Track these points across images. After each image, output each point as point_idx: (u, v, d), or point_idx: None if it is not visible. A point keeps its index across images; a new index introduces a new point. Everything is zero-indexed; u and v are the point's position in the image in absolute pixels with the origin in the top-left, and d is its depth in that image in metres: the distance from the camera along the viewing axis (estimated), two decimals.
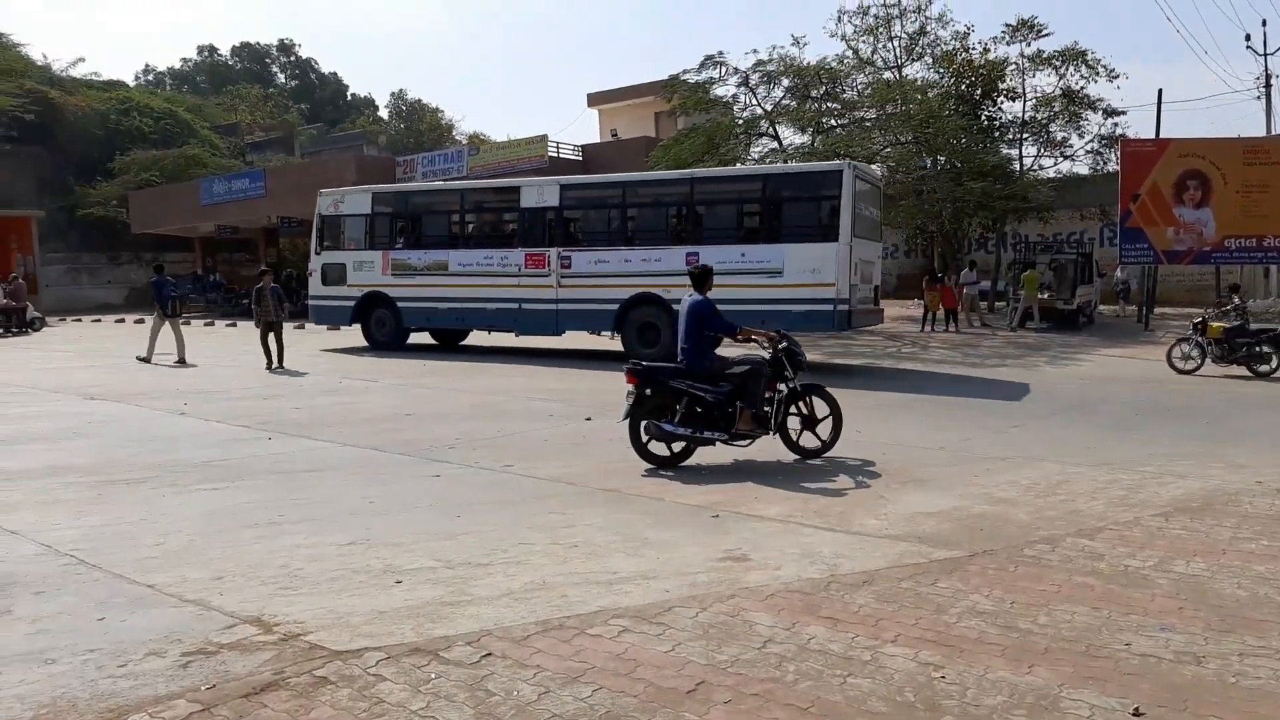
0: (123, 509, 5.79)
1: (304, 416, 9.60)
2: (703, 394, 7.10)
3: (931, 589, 4.27)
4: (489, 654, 3.50)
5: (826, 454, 7.39)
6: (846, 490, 6.34)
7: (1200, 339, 13.64)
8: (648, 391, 7.16)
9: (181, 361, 15.05)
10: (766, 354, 7.50)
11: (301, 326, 21.49)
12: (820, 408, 7.50)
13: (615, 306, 15.47)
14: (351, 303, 17.86)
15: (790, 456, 7.38)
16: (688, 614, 3.93)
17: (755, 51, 25.81)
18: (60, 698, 3.16)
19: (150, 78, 69.98)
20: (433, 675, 3.32)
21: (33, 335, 23.87)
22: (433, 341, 18.60)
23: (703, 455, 7.30)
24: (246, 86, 64.44)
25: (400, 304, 17.48)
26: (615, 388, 12.01)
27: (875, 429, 8.77)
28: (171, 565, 4.61)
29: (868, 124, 23.80)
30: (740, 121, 24.53)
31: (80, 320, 30.55)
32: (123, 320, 29.63)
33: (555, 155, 29.47)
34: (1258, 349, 13.36)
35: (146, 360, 15.19)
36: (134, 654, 3.51)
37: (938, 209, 23.02)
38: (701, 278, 7.66)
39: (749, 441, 7.27)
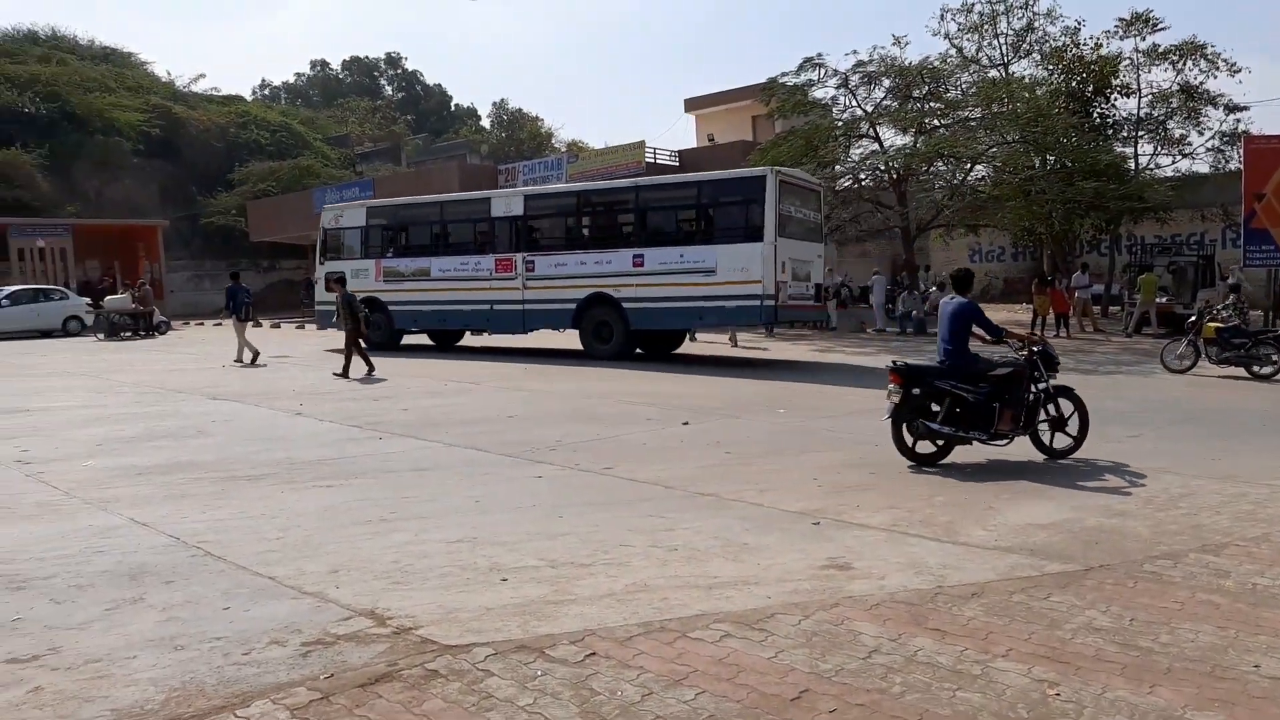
0: (244, 504, 6.08)
1: (411, 418, 9.88)
2: (965, 394, 7.26)
3: (1044, 603, 4.14)
4: (593, 653, 3.54)
5: (1075, 454, 7.46)
6: (952, 500, 6.19)
7: (1195, 339, 13.64)
8: (915, 391, 7.33)
9: (239, 361, 16.02)
10: (1018, 355, 7.64)
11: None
12: (1066, 408, 7.57)
13: (574, 306, 16.78)
14: None
15: (897, 461, 7.25)
16: (790, 621, 3.90)
17: (855, 52, 25.49)
18: (189, 682, 3.33)
19: (266, 92, 73.23)
20: (539, 672, 3.38)
21: (158, 339, 25.22)
22: (430, 342, 20.00)
23: (772, 458, 7.23)
24: (356, 99, 66.85)
25: (391, 308, 18.88)
26: (705, 391, 12.08)
27: None
28: (290, 558, 4.82)
29: (972, 123, 23.20)
30: (839, 124, 24.22)
31: (202, 324, 32.18)
32: None
33: (652, 161, 29.61)
34: (1256, 350, 13.14)
35: (241, 362, 15.99)
36: (257, 642, 3.68)
37: (1047, 210, 22.25)
38: (964, 280, 7.88)
39: (1006, 441, 7.39)
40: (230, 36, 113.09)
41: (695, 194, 17.01)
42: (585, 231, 17.99)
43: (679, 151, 31.47)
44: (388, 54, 79.79)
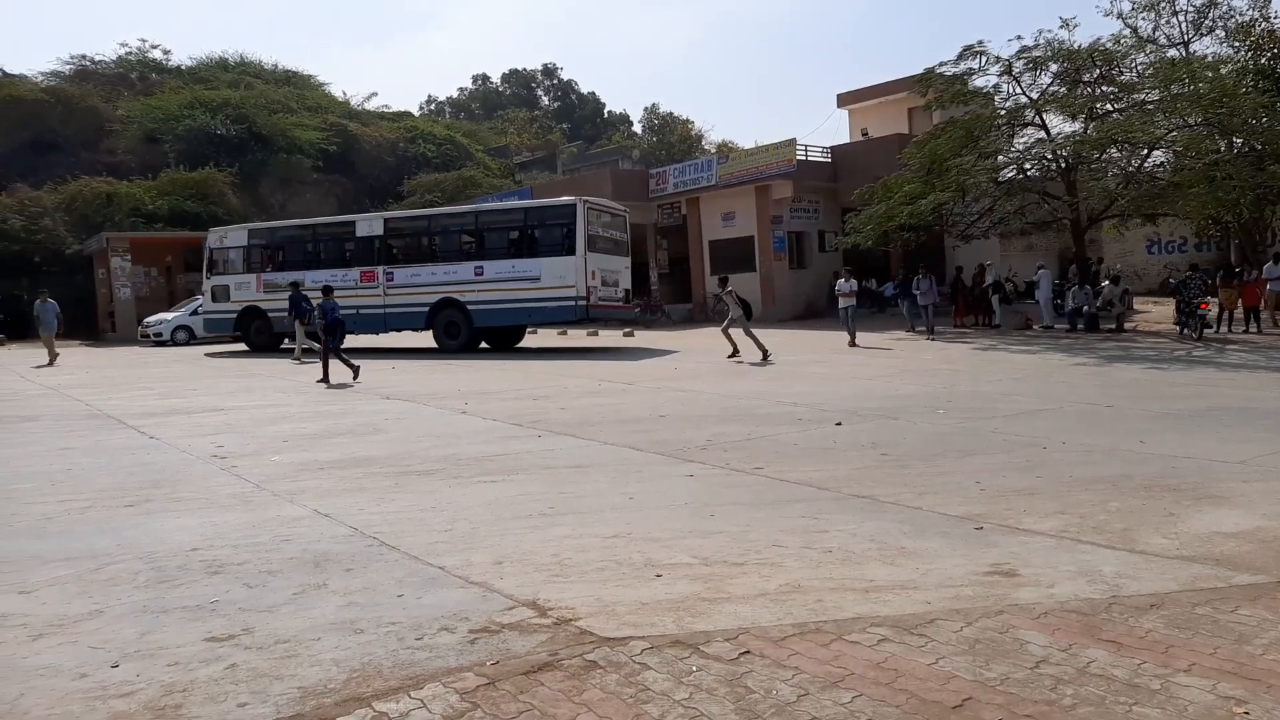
0: (416, 497, 6.42)
1: (569, 416, 10.16)
2: None
3: (1231, 616, 3.85)
4: (747, 651, 3.56)
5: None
6: (1127, 506, 5.83)
7: None
8: None
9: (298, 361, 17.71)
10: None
11: None
12: None
13: (427, 309, 20.46)
14: (233, 315, 22.82)
15: (1067, 463, 6.91)
16: (951, 627, 3.79)
17: (1019, 38, 24.33)
18: (368, 664, 3.56)
19: (432, 107, 76.85)
20: (694, 668, 3.42)
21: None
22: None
23: (955, 458, 6.99)
24: (515, 110, 69.19)
25: (271, 315, 21.89)
26: (854, 392, 11.82)
27: (1162, 440, 8.01)
28: (458, 549, 5.06)
29: (1149, 107, 21.72)
30: (1002, 112, 23.20)
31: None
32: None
33: (803, 158, 29.21)
34: None
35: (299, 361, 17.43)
36: (428, 628, 3.89)
37: (1234, 197, 20.54)
38: None
39: None
40: (399, 56, 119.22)
41: (523, 217, 21.19)
42: (435, 248, 21.51)
43: (831, 148, 30.92)
44: (544, 65, 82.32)
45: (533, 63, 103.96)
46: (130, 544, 5.32)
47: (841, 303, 20.20)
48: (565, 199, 20.95)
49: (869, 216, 23.66)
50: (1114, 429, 8.80)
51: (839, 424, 9.23)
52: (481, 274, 20.17)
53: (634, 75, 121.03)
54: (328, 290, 16.10)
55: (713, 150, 53.91)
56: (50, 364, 19.80)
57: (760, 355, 16.53)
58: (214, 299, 23.35)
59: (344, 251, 22.39)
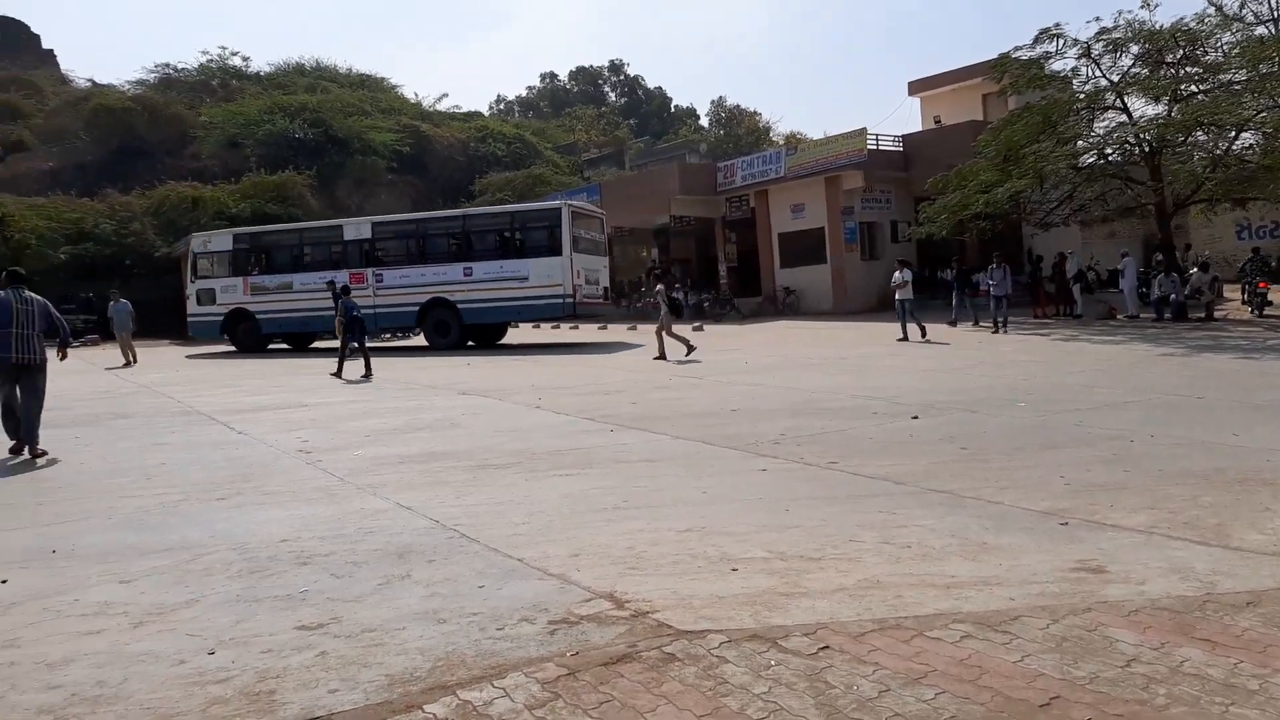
0: (493, 490, 6.53)
1: (639, 411, 10.20)
2: None
3: None
4: (826, 646, 3.54)
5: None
6: (1221, 500, 5.63)
7: None
8: None
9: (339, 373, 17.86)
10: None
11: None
12: None
13: (417, 308, 21.59)
14: (220, 318, 23.44)
15: (1155, 457, 6.69)
16: (1037, 624, 3.71)
17: (1098, 19, 23.50)
18: (452, 653, 3.64)
19: (501, 106, 77.73)
20: (772, 662, 3.42)
21: (413, 337, 27.45)
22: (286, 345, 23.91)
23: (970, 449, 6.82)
24: (582, 107, 69.57)
25: (259, 316, 23.09)
26: (929, 385, 11.61)
27: (1256, 432, 7.71)
28: (535, 542, 5.13)
29: (1236, 87, 20.83)
30: (1081, 96, 22.52)
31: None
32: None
33: (874, 147, 28.76)
34: None
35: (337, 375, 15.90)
36: (509, 619, 3.96)
37: None
38: None
39: None
40: (469, 58, 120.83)
41: (510, 220, 22.48)
42: (424, 250, 22.43)
43: (902, 136, 30.39)
44: (611, 61, 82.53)
45: (600, 59, 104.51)
46: (223, 535, 5.53)
47: (898, 295, 19.26)
48: (551, 203, 22.97)
49: (943, 205, 23.23)
50: (1204, 421, 8.49)
51: (915, 418, 9.08)
52: (471, 274, 21.47)
53: (701, 69, 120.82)
54: (346, 290, 17.24)
55: (781, 142, 53.43)
56: (126, 365, 19.83)
57: (684, 351, 16.89)
58: (199, 303, 23.99)
59: (331, 255, 23.33)
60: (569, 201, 22.53)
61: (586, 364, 17.04)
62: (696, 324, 26.56)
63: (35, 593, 4.55)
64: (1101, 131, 22.61)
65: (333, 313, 21.14)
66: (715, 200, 32.62)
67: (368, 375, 15.27)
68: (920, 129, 33.86)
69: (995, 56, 24.29)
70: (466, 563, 4.81)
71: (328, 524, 5.73)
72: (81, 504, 6.59)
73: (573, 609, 4.04)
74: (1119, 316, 21.97)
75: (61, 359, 10.15)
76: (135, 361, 20.25)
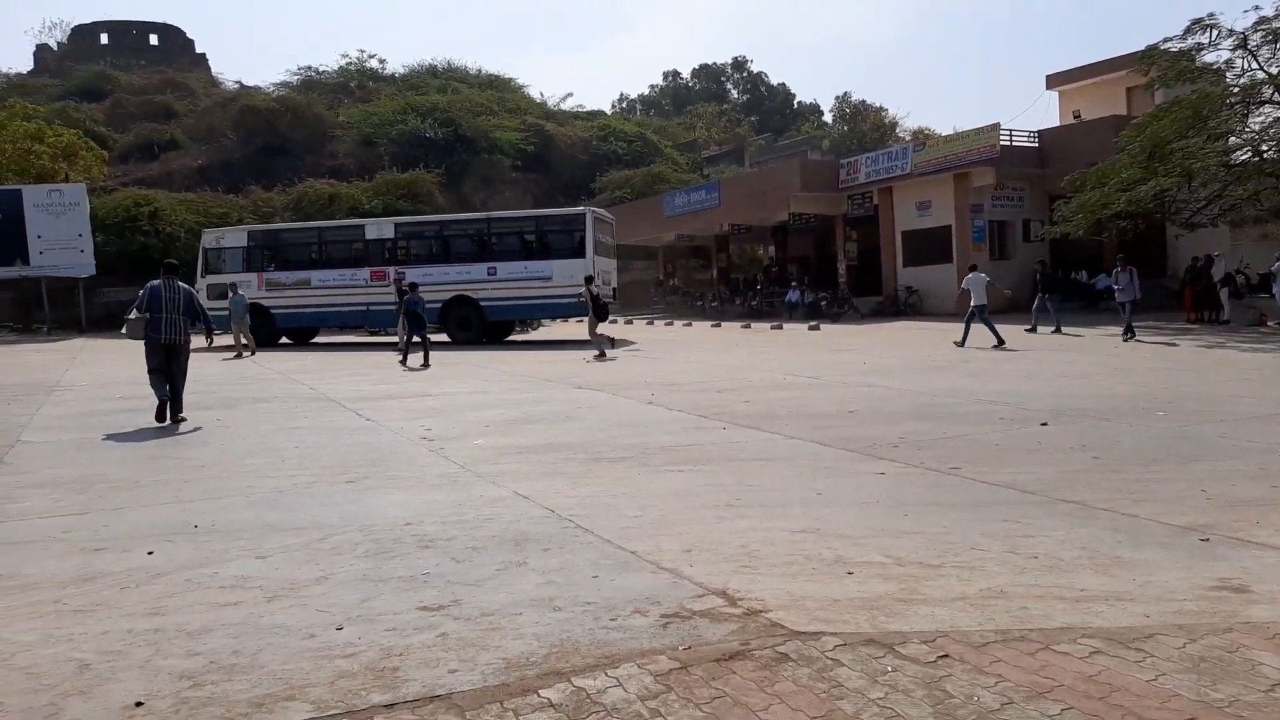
0: (607, 483, 6.61)
1: (753, 409, 10.13)
2: None
3: None
4: (946, 655, 3.44)
5: None
6: None
7: None
8: None
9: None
10: None
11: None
12: None
13: (440, 305, 22.29)
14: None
15: (1262, 465, 6.24)
16: (1172, 643, 3.51)
17: (1256, 8, 21.96)
18: (566, 640, 3.69)
19: (624, 105, 78.40)
20: (889, 667, 3.34)
21: (533, 333, 28.07)
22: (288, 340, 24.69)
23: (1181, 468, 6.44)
24: (704, 105, 69.50)
25: (274, 311, 23.92)
26: (1060, 391, 11.09)
27: None
28: (648, 535, 5.17)
29: None
30: (1235, 90, 21.15)
31: (566, 320, 35.20)
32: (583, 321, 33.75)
33: (1008, 143, 27.71)
34: None
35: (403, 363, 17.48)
36: (622, 610, 4.00)
37: None
38: None
39: None
40: (593, 58, 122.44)
41: (535, 224, 24.40)
42: (448, 250, 23.81)
43: (1038, 132, 29.18)
44: (734, 58, 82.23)
45: (723, 57, 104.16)
46: (351, 517, 5.77)
47: (973, 301, 18.40)
48: (575, 209, 24.37)
49: (1081, 204, 22.22)
50: None
51: (1044, 424, 8.72)
52: (495, 274, 22.72)
53: (825, 65, 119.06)
54: (414, 286, 18.57)
55: (907, 138, 52.11)
56: (239, 356, 20.38)
57: (602, 350, 18.01)
58: (210, 297, 23.18)
59: (353, 253, 24.39)
60: (591, 209, 24.08)
61: (698, 362, 17.03)
62: (813, 323, 26.22)
63: (179, 565, 4.85)
64: (1257, 127, 21.20)
65: (356, 308, 23.22)
66: (836, 197, 32.07)
67: (426, 364, 16.79)
68: (1058, 124, 32.49)
69: (1142, 48, 23.09)
70: (581, 553, 4.88)
71: (449, 510, 5.91)
72: (222, 483, 7.00)
73: (685, 604, 4.05)
74: (1270, 324, 20.53)
75: (209, 344, 11.07)
76: (254, 352, 21.08)
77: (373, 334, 27.11)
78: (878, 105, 63.74)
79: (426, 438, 8.80)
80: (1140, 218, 21.96)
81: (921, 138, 43.25)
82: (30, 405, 12.04)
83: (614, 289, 24.50)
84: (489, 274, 22.72)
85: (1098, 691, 3.12)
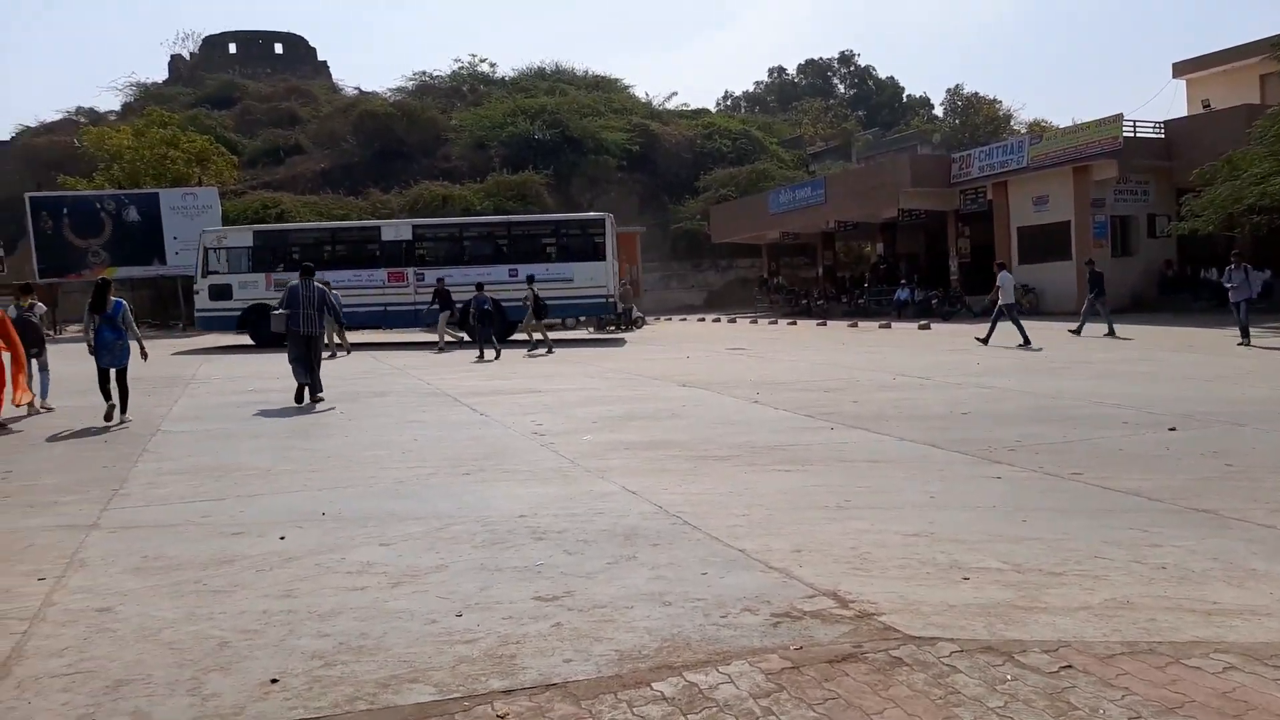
0: (714, 481, 6.63)
1: (861, 410, 9.98)
2: None
3: None
4: (1069, 666, 3.34)
5: None
6: None
7: None
8: None
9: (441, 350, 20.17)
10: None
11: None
12: None
13: (460, 305, 21.45)
14: (237, 313, 23.58)
15: None
16: None
17: None
18: (677, 635, 3.74)
19: (729, 103, 78.07)
20: (1008, 676, 3.27)
21: (637, 331, 28.25)
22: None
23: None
24: (810, 100, 68.57)
25: (279, 312, 22.45)
26: (1188, 394, 10.53)
27: None
28: (756, 534, 5.17)
29: None
30: None
31: (670, 319, 35.33)
32: (703, 319, 33.62)
33: (1131, 135, 26.48)
34: None
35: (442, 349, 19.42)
36: (731, 608, 4.02)
37: None
38: None
39: None
40: (697, 56, 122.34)
41: (555, 227, 25.63)
42: (467, 252, 24.60)
43: (1164, 123, 27.80)
44: (841, 53, 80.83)
45: (829, 51, 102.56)
46: (468, 508, 5.96)
47: (1001, 299, 18.12)
48: (596, 214, 25.46)
49: (1211, 199, 21.10)
50: None
51: (1172, 429, 8.33)
52: (516, 275, 22.76)
53: (936, 56, 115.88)
54: (480, 286, 19.84)
55: (1022, 130, 50.31)
56: (333, 356, 19.17)
57: (536, 348, 19.52)
58: (211, 297, 23.96)
59: (369, 254, 24.52)
60: (609, 215, 24.98)
61: (803, 361, 16.85)
62: (923, 322, 25.62)
63: (309, 550, 5.11)
64: None
65: (373, 309, 23.82)
66: (948, 193, 31.23)
67: (497, 356, 18.43)
68: (1186, 114, 30.88)
69: (1278, 33, 21.75)
70: (689, 549, 4.92)
71: (560, 503, 6.04)
72: (348, 473, 7.31)
73: (795, 604, 4.05)
74: None
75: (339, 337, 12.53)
76: (349, 352, 20.51)
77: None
78: (991, 98, 61.64)
79: (537, 432, 8.99)
80: (1276, 212, 20.70)
81: (1038, 130, 41.72)
82: (169, 396, 12.82)
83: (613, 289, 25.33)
84: (510, 275, 22.99)
85: (1232, 709, 2.99)
